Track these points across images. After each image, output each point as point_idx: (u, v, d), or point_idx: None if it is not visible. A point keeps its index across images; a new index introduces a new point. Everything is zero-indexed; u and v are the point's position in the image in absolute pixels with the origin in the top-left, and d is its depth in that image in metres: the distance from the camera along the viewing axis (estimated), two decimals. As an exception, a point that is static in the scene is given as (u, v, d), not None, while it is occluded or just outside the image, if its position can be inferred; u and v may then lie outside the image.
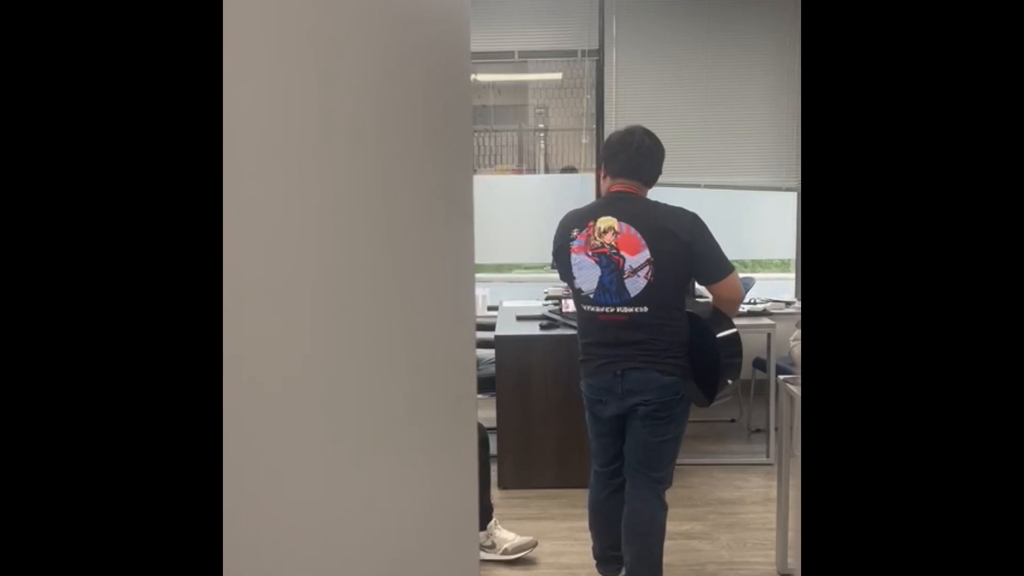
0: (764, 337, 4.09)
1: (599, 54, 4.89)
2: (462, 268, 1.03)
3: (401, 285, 0.91)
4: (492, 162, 5.73)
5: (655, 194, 2.57)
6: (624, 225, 2.41)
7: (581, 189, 4.98)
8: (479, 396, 3.84)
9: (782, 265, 5.72)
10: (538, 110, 5.79)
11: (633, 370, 2.41)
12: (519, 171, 5.72)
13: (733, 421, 4.64)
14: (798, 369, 3.92)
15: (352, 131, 0.82)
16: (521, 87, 5.79)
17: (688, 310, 2.48)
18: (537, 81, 5.63)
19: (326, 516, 0.82)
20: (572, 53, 4.96)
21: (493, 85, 5.64)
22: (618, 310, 2.42)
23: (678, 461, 3.94)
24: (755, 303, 4.36)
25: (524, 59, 5.05)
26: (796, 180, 4.93)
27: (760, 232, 5.35)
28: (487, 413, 3.83)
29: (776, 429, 3.68)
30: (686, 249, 2.37)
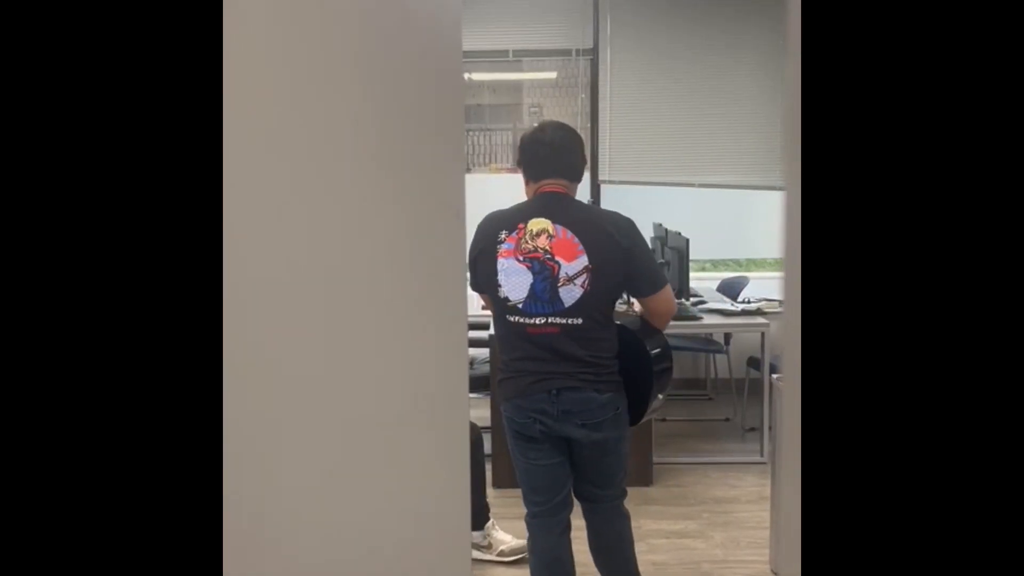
0: (758, 336, 4.10)
1: (594, 53, 4.89)
2: (454, 267, 1.03)
3: (393, 284, 0.91)
4: (486, 161, 5.73)
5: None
6: (560, 228, 2.18)
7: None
8: (474, 395, 3.84)
9: (776, 264, 5.73)
10: (533, 109, 5.79)
11: (569, 390, 2.17)
12: (514, 170, 5.71)
13: (727, 420, 4.65)
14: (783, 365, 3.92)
15: (342, 130, 0.81)
16: (516, 86, 5.79)
17: (617, 322, 2.30)
18: (532, 80, 5.63)
19: (318, 514, 0.82)
20: (567, 52, 4.96)
21: (487, 84, 5.64)
22: (550, 320, 2.17)
23: (672, 460, 3.98)
24: (749, 302, 4.36)
25: (519, 58, 5.05)
26: (790, 179, 4.94)
27: (754, 231, 5.36)
28: (481, 412, 3.82)
29: (770, 428, 3.68)
30: (625, 255, 2.17)
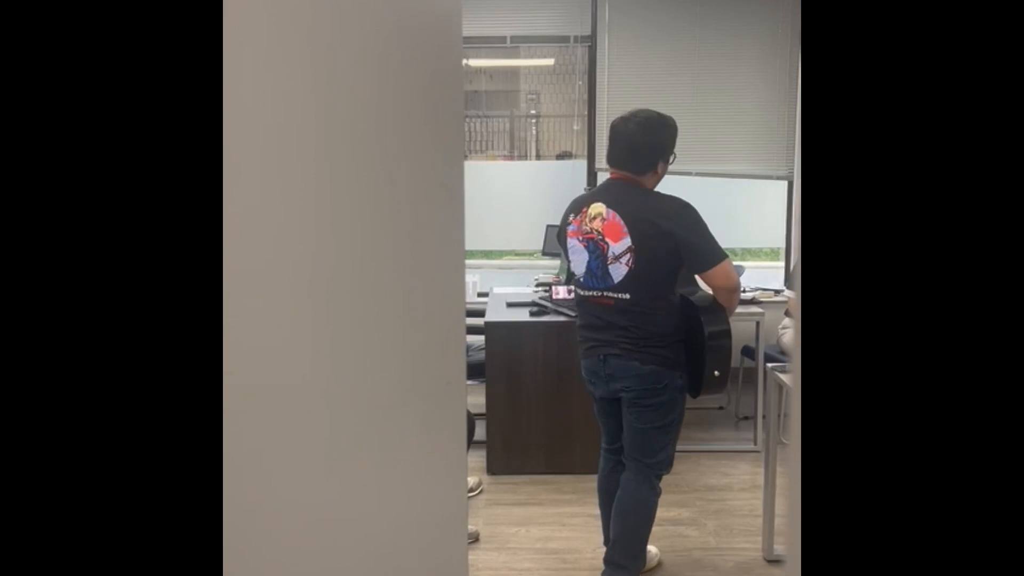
0: (753, 325, 4.11)
1: (591, 40, 4.87)
2: (452, 254, 1.03)
3: (391, 271, 0.91)
4: (483, 148, 5.71)
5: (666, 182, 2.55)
6: (611, 212, 2.41)
7: (572, 176, 4.98)
8: (468, 382, 3.85)
9: (771, 254, 5.74)
10: (530, 96, 5.77)
11: (613, 356, 2.44)
12: (510, 157, 5.70)
13: (721, 408, 4.67)
14: (789, 357, 3.94)
15: (342, 117, 0.81)
16: (513, 73, 5.77)
17: (690, 298, 2.47)
18: (529, 67, 5.61)
19: (315, 500, 0.82)
20: (564, 39, 4.94)
21: (484, 70, 5.62)
22: (604, 294, 2.44)
23: (667, 448, 3.99)
24: (744, 291, 4.37)
25: (516, 44, 5.03)
26: (787, 169, 4.94)
27: (750, 220, 5.36)
28: (476, 399, 3.83)
29: (764, 417, 3.70)
30: (668, 237, 2.34)
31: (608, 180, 2.52)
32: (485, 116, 5.75)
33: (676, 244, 2.35)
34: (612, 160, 2.50)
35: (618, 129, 2.48)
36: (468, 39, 4.83)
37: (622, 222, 2.39)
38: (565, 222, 2.57)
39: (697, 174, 4.93)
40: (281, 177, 0.74)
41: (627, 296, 2.40)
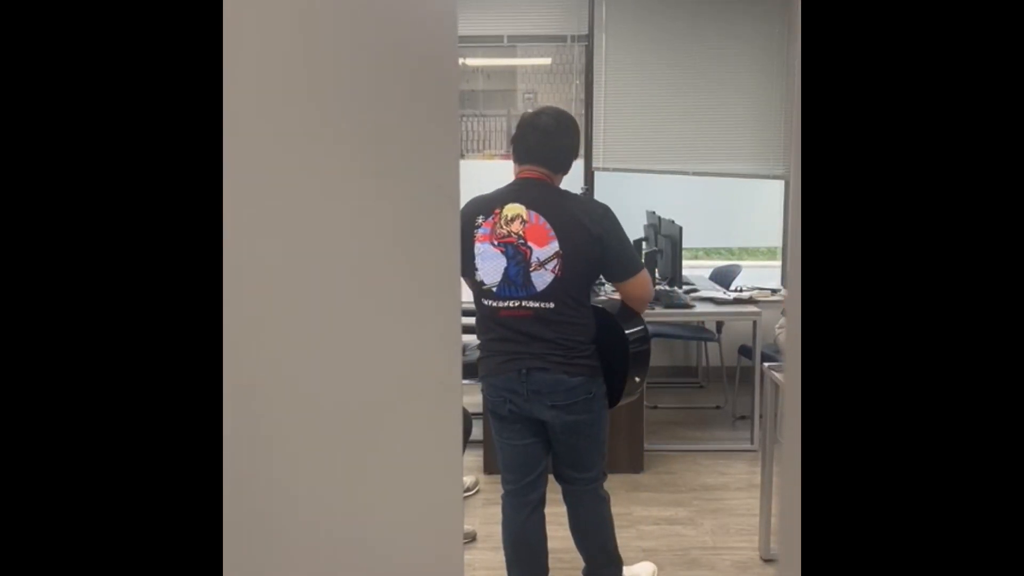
0: (750, 324, 4.11)
1: (588, 39, 4.87)
2: (448, 253, 1.03)
3: (386, 270, 0.91)
4: (480, 147, 5.70)
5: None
6: (533, 214, 2.23)
7: (568, 174, 4.98)
8: (465, 382, 3.85)
9: (768, 253, 5.74)
10: (527, 95, 5.76)
11: (539, 371, 2.23)
12: (507, 157, 5.69)
13: (718, 408, 4.67)
14: (784, 356, 3.94)
15: (336, 116, 0.81)
16: (510, 72, 5.76)
17: (595, 305, 2.34)
18: (526, 66, 5.60)
19: (311, 498, 0.81)
20: (561, 38, 4.94)
21: (481, 70, 5.61)
22: (523, 304, 2.24)
23: (663, 447, 4.00)
24: (741, 290, 4.37)
25: (513, 43, 5.03)
26: (784, 168, 4.94)
27: (747, 220, 5.37)
28: (473, 399, 3.83)
29: (761, 416, 3.70)
30: (596, 243, 2.21)
31: (520, 179, 2.32)
32: (482, 115, 5.74)
33: (603, 250, 2.23)
34: (527, 157, 2.31)
35: (533, 124, 2.30)
36: (465, 38, 4.83)
37: (548, 225, 2.22)
38: (472, 224, 2.28)
39: (694, 173, 4.93)
40: (274, 176, 0.74)
41: (551, 305, 2.21)
